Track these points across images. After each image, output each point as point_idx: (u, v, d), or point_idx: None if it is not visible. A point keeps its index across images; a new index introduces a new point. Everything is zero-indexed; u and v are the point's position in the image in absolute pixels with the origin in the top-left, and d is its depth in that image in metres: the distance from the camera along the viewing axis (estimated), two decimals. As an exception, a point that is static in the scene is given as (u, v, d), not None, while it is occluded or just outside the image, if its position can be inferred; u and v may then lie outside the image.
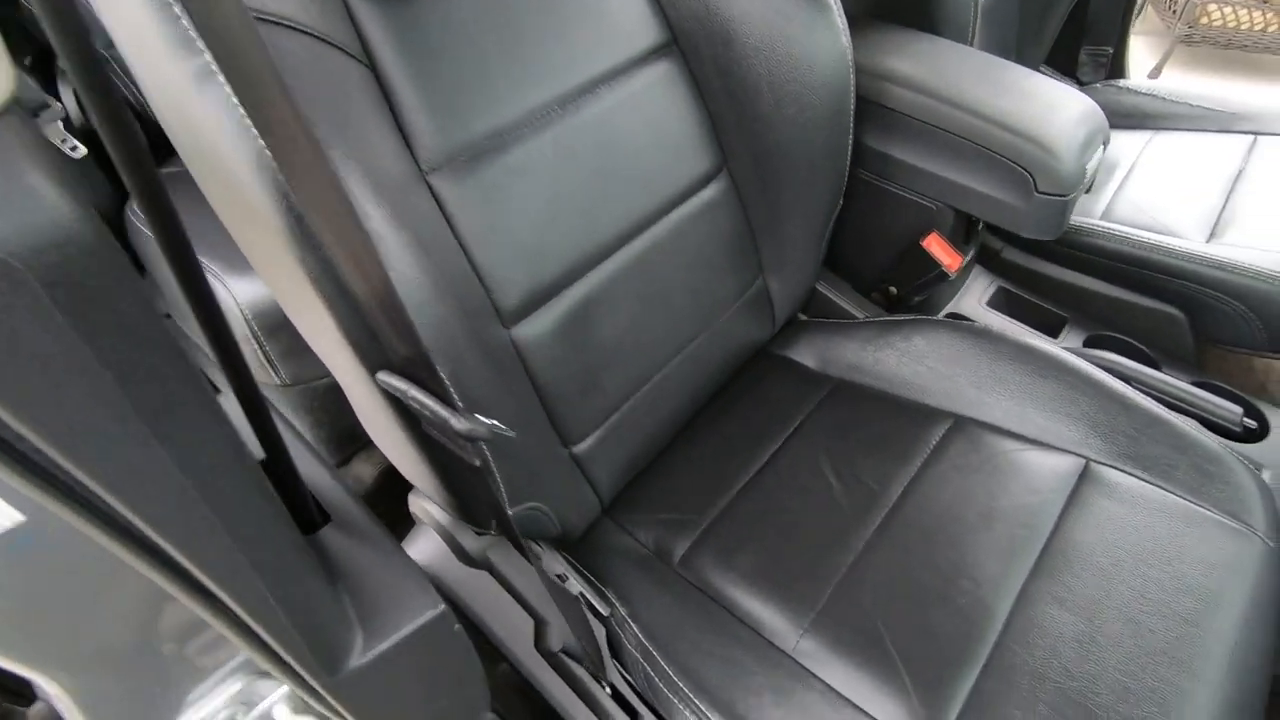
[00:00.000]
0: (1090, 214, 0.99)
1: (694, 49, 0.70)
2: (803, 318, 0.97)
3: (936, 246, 0.83)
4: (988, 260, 1.05)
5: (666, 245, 0.71)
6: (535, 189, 0.60)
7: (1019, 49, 1.10)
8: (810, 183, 0.78)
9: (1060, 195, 0.76)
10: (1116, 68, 1.30)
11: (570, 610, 0.64)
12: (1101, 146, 0.80)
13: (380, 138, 0.52)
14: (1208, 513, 0.65)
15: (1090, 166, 0.77)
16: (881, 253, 0.92)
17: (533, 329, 0.62)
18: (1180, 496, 0.67)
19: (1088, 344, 0.94)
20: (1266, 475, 0.84)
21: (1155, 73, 2.52)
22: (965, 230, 0.89)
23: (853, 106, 0.76)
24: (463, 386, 0.52)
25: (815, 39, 0.71)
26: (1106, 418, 0.73)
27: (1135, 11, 1.25)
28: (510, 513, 0.58)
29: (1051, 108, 0.77)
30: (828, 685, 0.58)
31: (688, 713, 0.58)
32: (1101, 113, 0.80)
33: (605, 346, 0.67)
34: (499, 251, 0.59)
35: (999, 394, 0.77)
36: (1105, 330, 0.97)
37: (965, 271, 1.02)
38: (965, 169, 0.80)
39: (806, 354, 0.90)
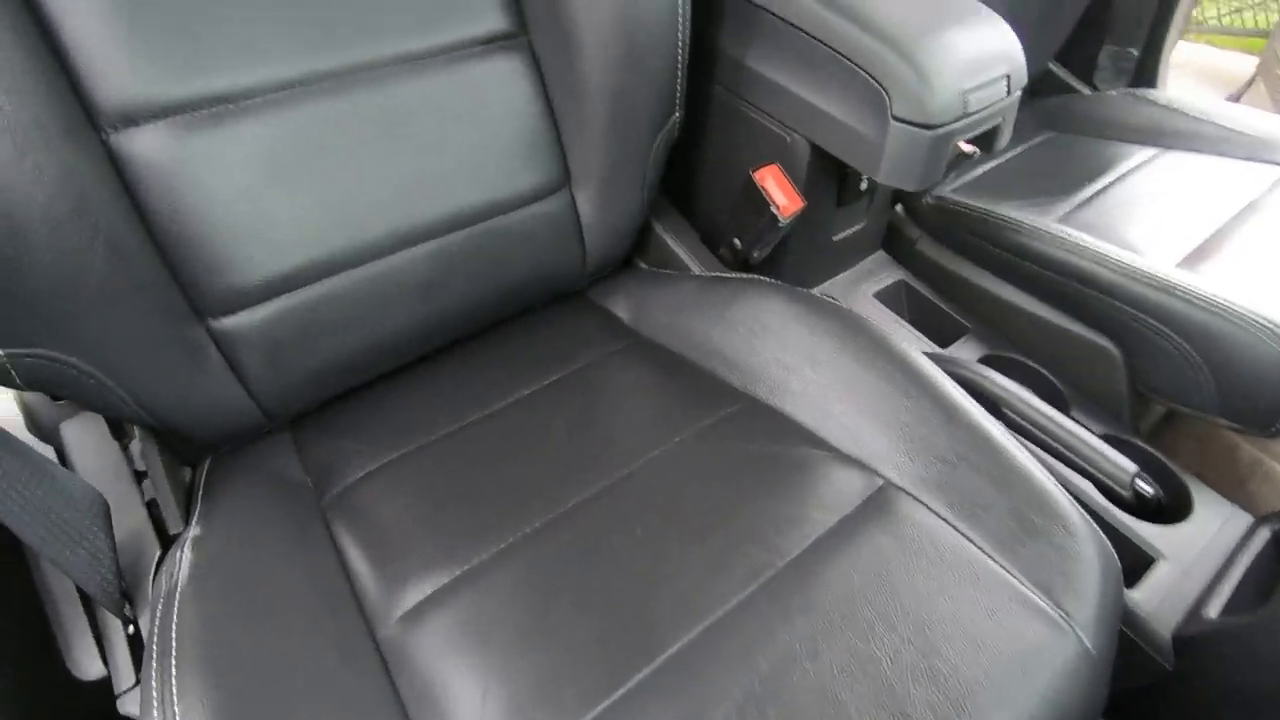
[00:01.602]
0: (1040, 215, 0.78)
1: None
2: (643, 266, 0.80)
3: (771, 181, 0.65)
4: (898, 248, 0.85)
5: (436, 84, 0.57)
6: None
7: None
8: (629, 79, 0.62)
9: (922, 126, 0.57)
10: (1144, 75, 1.07)
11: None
12: (1004, 83, 0.60)
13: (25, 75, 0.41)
14: (1008, 577, 0.45)
15: (975, 100, 0.58)
16: (724, 190, 0.74)
17: (161, 140, 0.48)
18: (978, 547, 0.47)
19: (981, 363, 0.73)
20: (1160, 568, 0.61)
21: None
22: (833, 181, 0.70)
23: None
24: None
25: None
26: (925, 432, 0.53)
27: (1175, 11, 1.02)
28: (3, 354, 0.44)
29: (941, 19, 0.59)
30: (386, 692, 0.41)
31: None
32: (1015, 41, 0.61)
33: (296, 189, 0.52)
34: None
35: (807, 379, 0.58)
36: (1011, 352, 0.75)
37: (855, 252, 0.82)
38: (819, 84, 0.62)
39: (621, 304, 0.74)
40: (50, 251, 0.43)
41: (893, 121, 0.58)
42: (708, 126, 0.73)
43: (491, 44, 0.60)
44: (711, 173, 0.76)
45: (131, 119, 0.46)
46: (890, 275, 0.82)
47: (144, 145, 0.47)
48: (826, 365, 0.58)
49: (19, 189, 0.41)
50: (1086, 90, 1.10)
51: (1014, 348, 0.76)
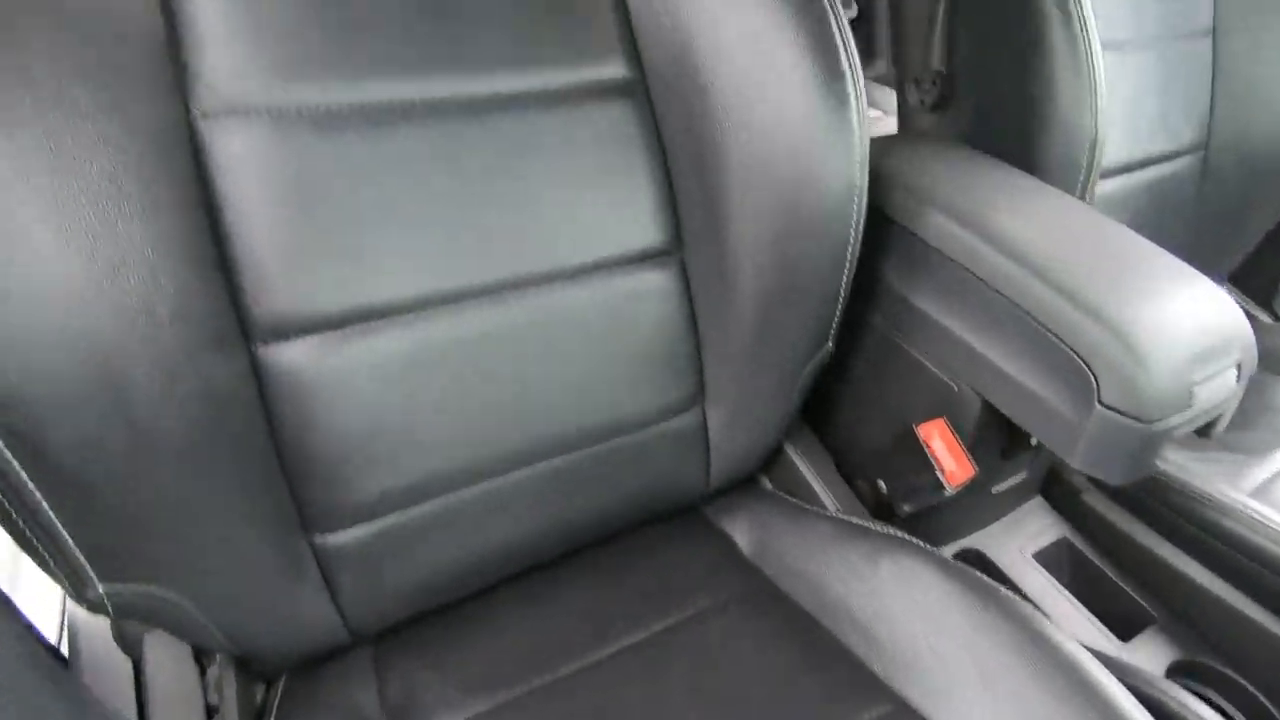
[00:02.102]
0: (1230, 482, 0.67)
1: (662, 88, 0.55)
2: (767, 485, 0.73)
3: (939, 440, 0.57)
4: (1058, 496, 0.75)
5: (583, 300, 0.53)
6: (367, 187, 0.46)
7: (1188, 246, 0.83)
8: (783, 308, 0.57)
9: (1135, 418, 0.48)
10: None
11: None
12: (1234, 372, 0.51)
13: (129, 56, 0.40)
14: None
15: (1203, 394, 0.49)
16: (875, 429, 0.67)
17: (304, 357, 0.45)
18: None
19: (1173, 671, 0.61)
20: None
21: None
22: (1003, 434, 0.61)
23: (856, 223, 0.55)
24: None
25: (817, 124, 0.52)
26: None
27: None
28: (102, 591, 0.40)
29: (1155, 288, 0.51)
30: None
31: None
32: (1245, 323, 0.53)
33: (429, 404, 0.49)
34: (281, 236, 0.43)
35: (973, 697, 0.48)
36: (1208, 658, 0.62)
37: (1012, 500, 0.73)
38: (1006, 345, 0.55)
39: (743, 529, 0.66)
40: (177, 477, 0.39)
41: (1099, 407, 0.49)
42: (861, 357, 0.67)
43: (645, 260, 0.56)
44: (859, 404, 0.69)
45: (283, 332, 0.43)
46: (1051, 531, 0.72)
47: (290, 358, 0.44)
48: (1001, 684, 0.48)
49: (164, 420, 0.38)
50: (1266, 318, 0.99)
51: (1214, 652, 0.63)
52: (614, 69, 0.54)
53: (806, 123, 0.53)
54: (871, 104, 1.41)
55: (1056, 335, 0.51)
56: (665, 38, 0.54)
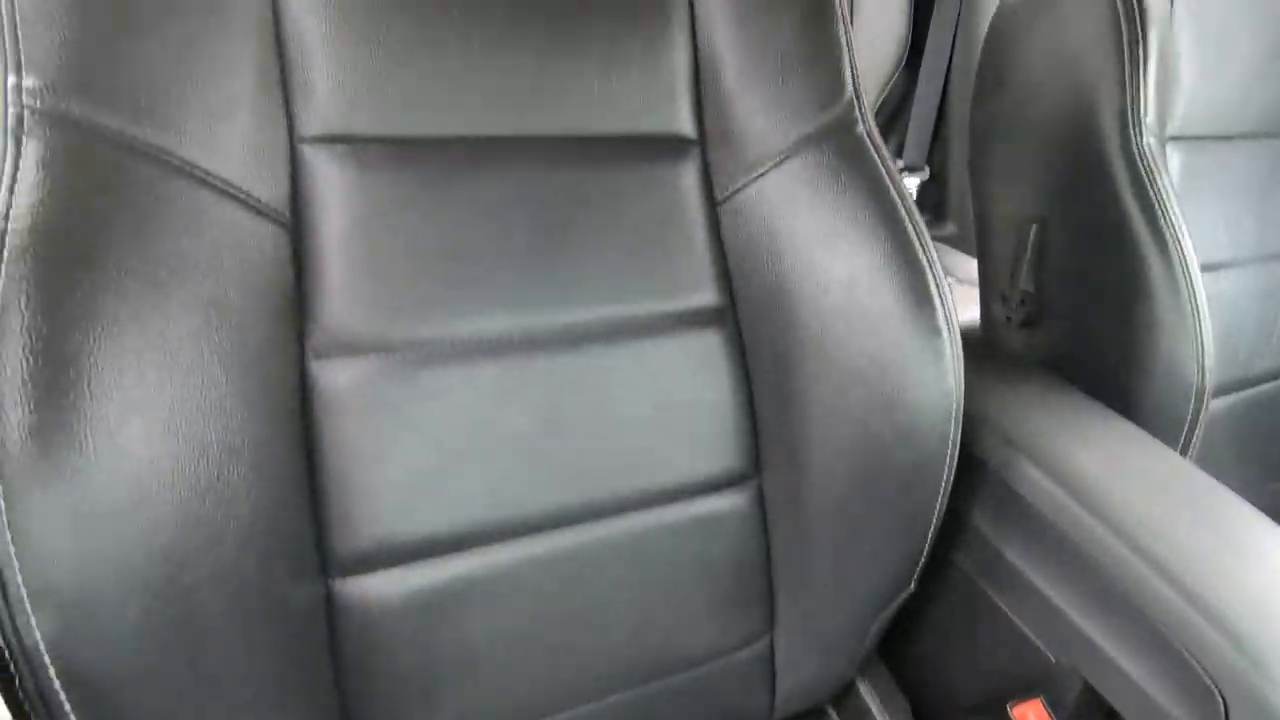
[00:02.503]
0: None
1: (751, 318, 0.54)
2: (833, 717, 0.68)
3: (1035, 723, 0.52)
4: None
5: (648, 531, 0.51)
6: (458, 418, 0.46)
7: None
8: (864, 544, 0.55)
9: (1274, 751, 0.43)
10: None
11: None
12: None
13: (258, 300, 0.41)
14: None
15: None
16: (959, 686, 0.61)
17: (376, 590, 0.45)
18: None
19: None
20: None
21: None
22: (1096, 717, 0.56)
23: (948, 467, 0.53)
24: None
25: (908, 363, 0.51)
26: None
27: None
28: None
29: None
30: None
31: None
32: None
33: (490, 635, 0.47)
34: (374, 470, 0.44)
35: None
36: None
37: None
38: (1114, 631, 0.50)
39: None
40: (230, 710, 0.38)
41: (1227, 731, 0.44)
42: (946, 601, 0.63)
43: (722, 487, 0.54)
44: (942, 652, 0.64)
45: (362, 567, 0.44)
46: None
47: (364, 590, 0.44)
48: None
49: (229, 648, 0.37)
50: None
51: None
52: (705, 298, 0.54)
53: (897, 362, 0.51)
54: (945, 270, 1.41)
55: (1178, 642, 0.46)
56: (760, 273, 0.54)
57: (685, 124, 0.54)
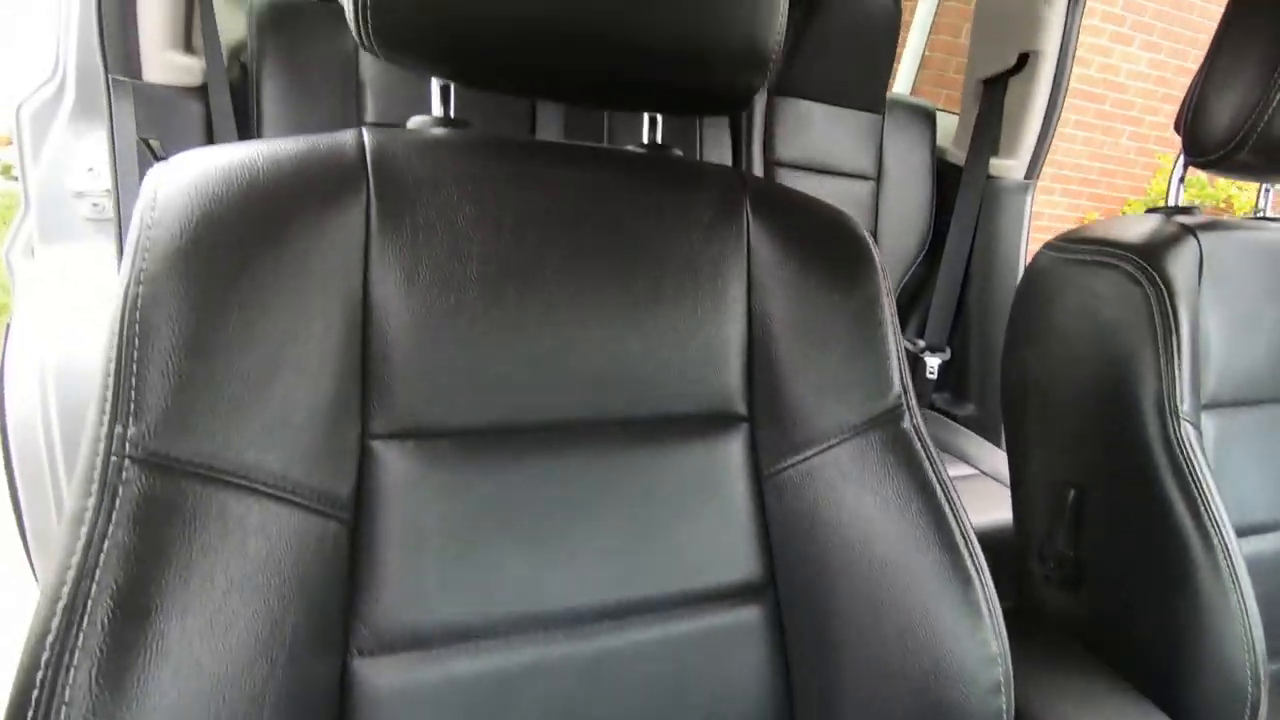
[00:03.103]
0: None
1: (791, 595, 0.54)
2: None
3: None
4: None
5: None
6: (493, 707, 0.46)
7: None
8: None
9: None
10: None
11: None
12: None
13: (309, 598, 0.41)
14: None
15: None
16: None
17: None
18: None
19: None
20: None
21: None
22: None
23: None
24: None
25: (947, 639, 0.50)
26: None
27: None
28: None
29: None
30: None
31: None
32: None
33: None
34: None
35: None
36: None
37: None
38: None
39: None
40: None
41: None
42: None
43: None
44: None
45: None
46: None
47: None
48: None
49: None
50: None
51: None
52: (747, 571, 0.54)
53: (938, 642, 0.50)
54: (960, 455, 1.41)
55: None
56: (801, 549, 0.54)
57: (737, 401, 0.55)
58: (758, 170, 1.46)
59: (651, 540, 0.51)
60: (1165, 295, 0.65)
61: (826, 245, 0.56)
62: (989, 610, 0.50)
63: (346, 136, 0.46)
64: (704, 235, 0.53)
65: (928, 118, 1.62)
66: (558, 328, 0.48)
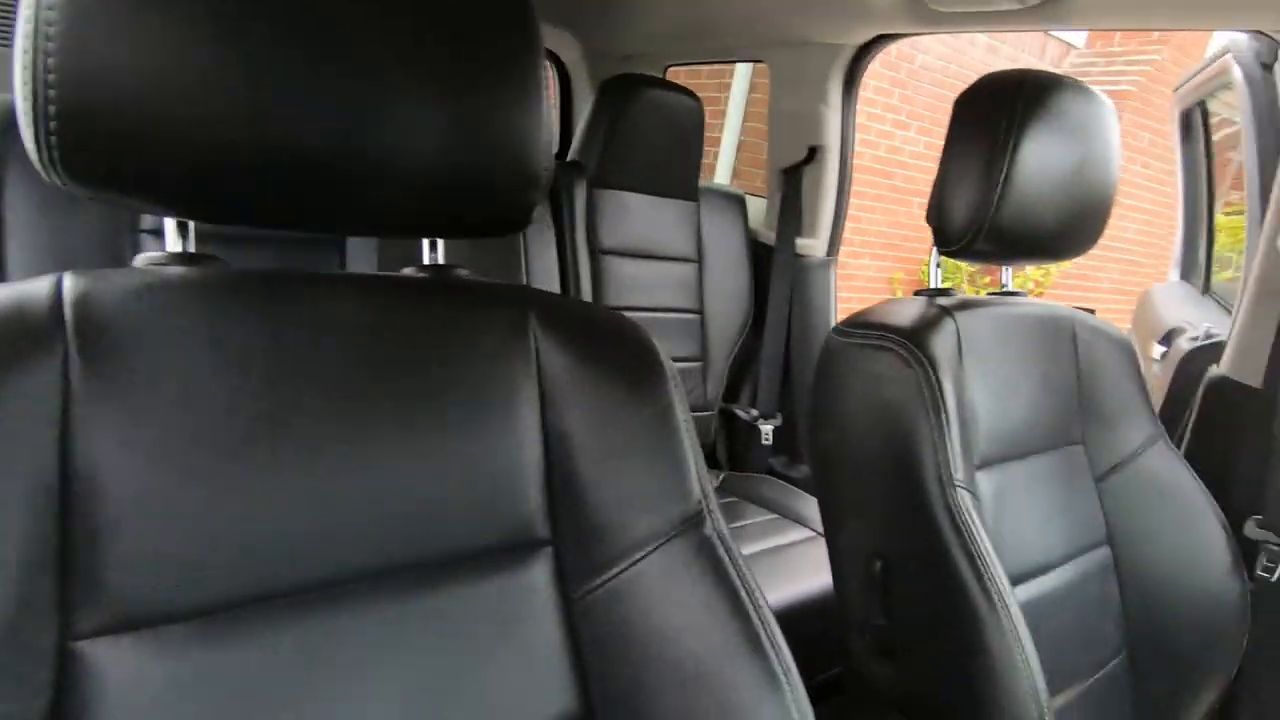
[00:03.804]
0: None
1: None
2: None
3: None
4: None
5: None
6: None
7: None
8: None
9: None
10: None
11: None
12: None
13: None
14: None
15: None
16: None
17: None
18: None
19: None
20: None
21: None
22: None
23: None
24: None
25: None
26: None
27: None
28: None
29: None
30: None
31: None
32: None
33: None
34: None
35: None
36: None
37: None
38: None
39: None
40: None
41: None
42: None
43: None
44: None
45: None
46: None
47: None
48: None
49: None
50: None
51: None
52: (563, 704, 0.51)
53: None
54: (798, 518, 1.46)
55: None
56: (618, 670, 0.52)
57: (538, 525, 0.53)
58: (583, 260, 1.49)
59: (452, 692, 0.47)
60: (932, 373, 0.72)
61: (616, 356, 0.56)
62: (798, 713, 0.50)
63: (39, 286, 0.40)
64: (490, 357, 0.52)
65: (739, 202, 1.76)
66: (326, 477, 0.44)
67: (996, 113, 0.77)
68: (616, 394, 0.55)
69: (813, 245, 1.68)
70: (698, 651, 0.51)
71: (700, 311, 1.66)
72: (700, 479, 0.56)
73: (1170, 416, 1.20)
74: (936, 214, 0.82)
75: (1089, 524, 0.93)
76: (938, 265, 0.89)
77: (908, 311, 0.81)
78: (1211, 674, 0.91)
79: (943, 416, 0.71)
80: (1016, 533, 0.83)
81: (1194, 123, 1.67)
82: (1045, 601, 0.84)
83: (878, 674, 0.75)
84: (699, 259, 1.66)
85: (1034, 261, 0.90)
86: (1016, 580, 0.81)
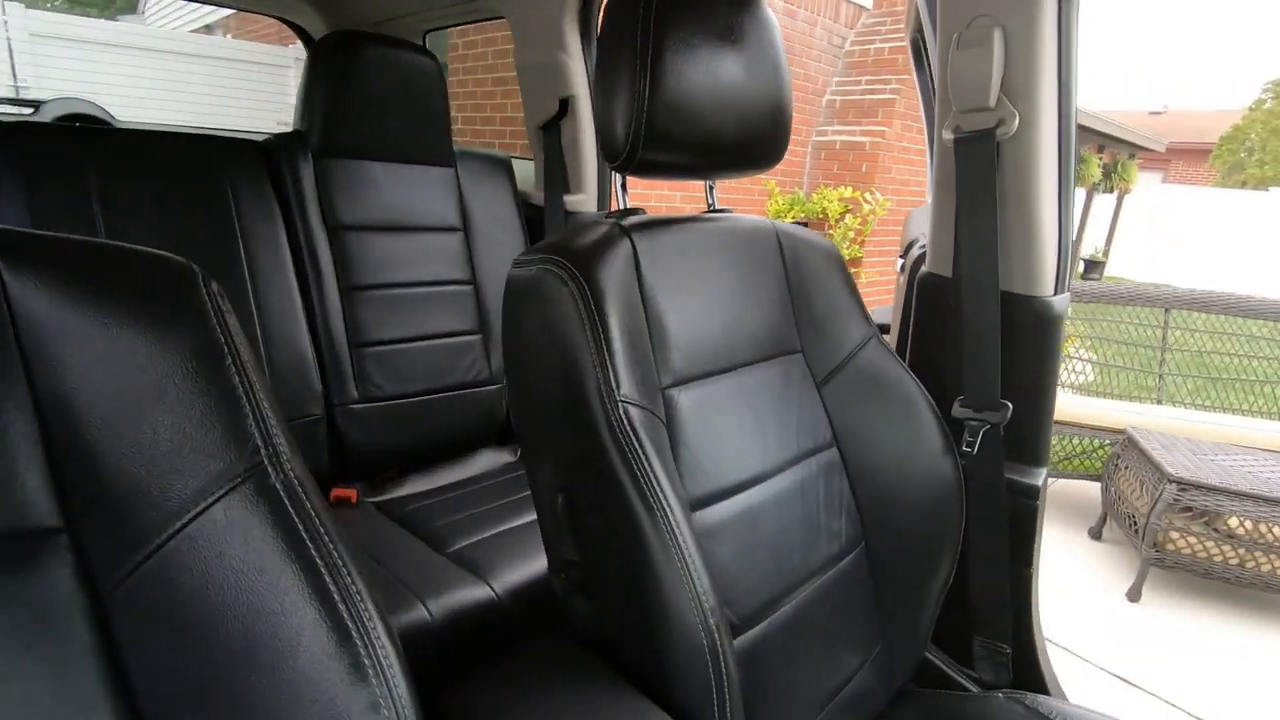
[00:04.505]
0: None
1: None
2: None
3: None
4: None
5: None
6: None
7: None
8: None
9: None
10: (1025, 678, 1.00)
11: None
12: None
13: None
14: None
15: None
16: None
17: None
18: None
19: None
20: None
21: (1134, 594, 2.25)
22: None
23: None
24: None
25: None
26: None
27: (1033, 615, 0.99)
28: None
29: None
30: None
31: None
32: None
33: None
34: None
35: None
36: None
37: None
38: None
39: None
40: None
41: None
42: None
43: None
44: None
45: None
46: None
47: None
48: None
49: None
50: (972, 686, 1.01)
51: None
52: None
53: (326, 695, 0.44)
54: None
55: None
56: (176, 663, 0.44)
57: (43, 513, 0.44)
58: (319, 238, 1.36)
59: None
60: (588, 289, 0.68)
61: (128, 290, 0.47)
62: (374, 662, 0.44)
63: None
64: None
65: (503, 165, 1.68)
66: None
67: (633, 18, 0.74)
68: (132, 336, 0.46)
69: (583, 200, 1.64)
70: (257, 627, 0.44)
71: (473, 281, 1.58)
72: (263, 423, 0.48)
73: (905, 320, 1.25)
74: (600, 129, 0.79)
75: (815, 428, 0.94)
76: (623, 187, 0.86)
77: (585, 234, 0.77)
78: (943, 549, 0.96)
79: (600, 334, 0.68)
80: (730, 444, 0.82)
81: (921, 48, 1.76)
82: (767, 507, 0.83)
83: (578, 615, 0.72)
84: (465, 227, 1.58)
85: (713, 176, 0.88)
86: (731, 492, 0.80)
